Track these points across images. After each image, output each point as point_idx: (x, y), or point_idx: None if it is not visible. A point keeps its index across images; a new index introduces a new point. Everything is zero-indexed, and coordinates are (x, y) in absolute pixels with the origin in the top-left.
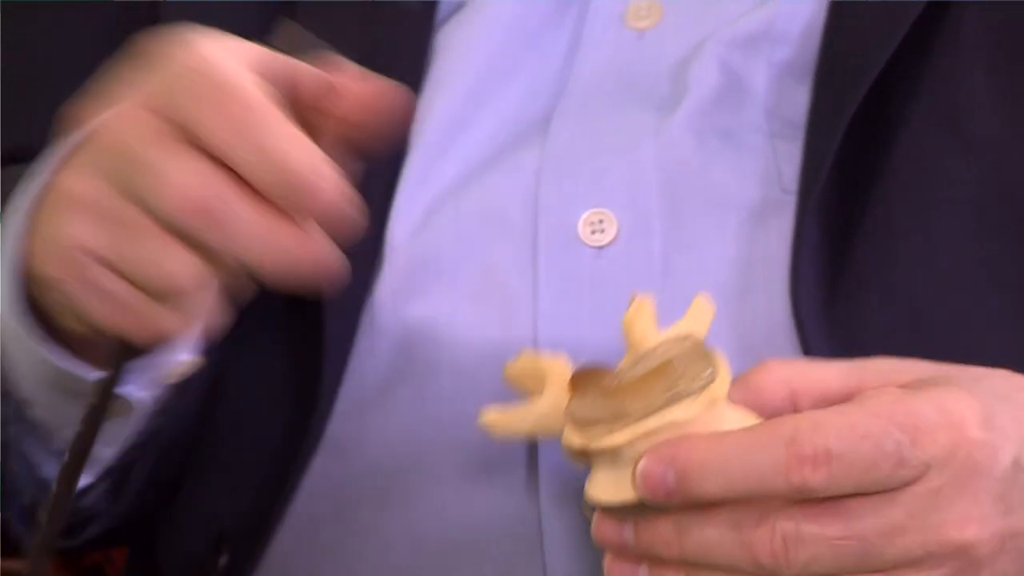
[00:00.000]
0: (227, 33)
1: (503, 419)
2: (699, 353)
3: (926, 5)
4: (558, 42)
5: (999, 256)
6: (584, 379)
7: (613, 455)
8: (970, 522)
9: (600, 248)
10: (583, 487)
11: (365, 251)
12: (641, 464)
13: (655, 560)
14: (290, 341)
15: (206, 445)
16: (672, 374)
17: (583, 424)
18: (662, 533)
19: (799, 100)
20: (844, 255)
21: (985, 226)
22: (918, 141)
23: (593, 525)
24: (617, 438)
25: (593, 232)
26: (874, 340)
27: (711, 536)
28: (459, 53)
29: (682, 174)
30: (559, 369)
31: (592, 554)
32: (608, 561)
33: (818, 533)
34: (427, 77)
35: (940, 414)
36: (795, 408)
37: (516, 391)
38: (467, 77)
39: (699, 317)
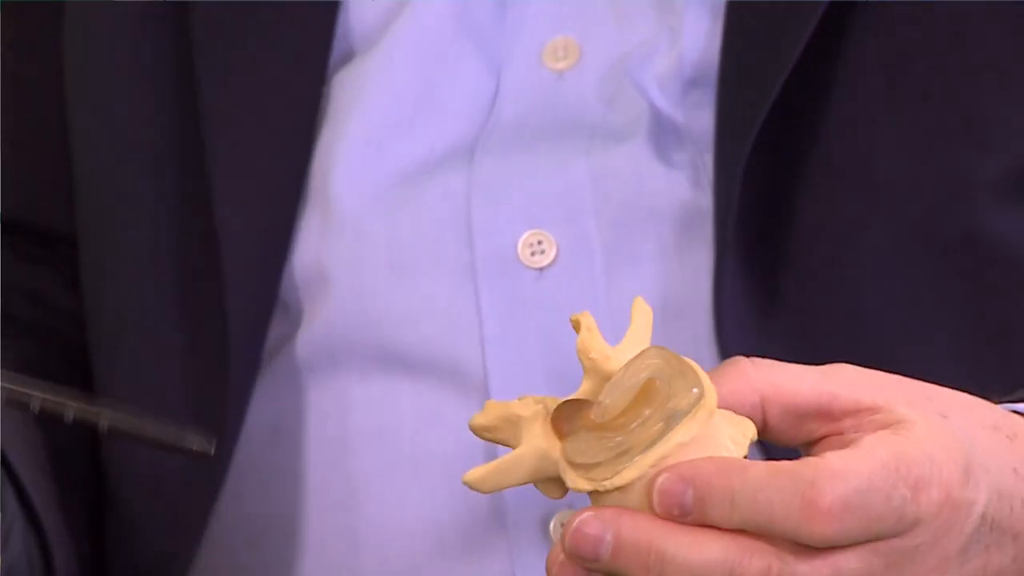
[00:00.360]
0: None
1: (491, 474)
2: (677, 366)
3: (813, 46)
4: (474, 75)
5: (921, 294)
6: (566, 416)
7: (623, 490)
8: (951, 567)
9: (541, 269)
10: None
11: (269, 265)
12: (661, 481)
13: None
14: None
15: (113, 487)
16: (659, 395)
17: (585, 467)
18: (647, 551)
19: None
20: (761, 276)
21: (908, 265)
22: (824, 185)
23: (565, 533)
24: (628, 475)
25: (533, 254)
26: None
27: (699, 562)
28: (363, 87)
29: (616, 187)
30: (530, 410)
31: None
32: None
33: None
34: (326, 117)
35: (932, 468)
36: (763, 415)
37: (488, 441)
38: (378, 107)
39: (643, 323)
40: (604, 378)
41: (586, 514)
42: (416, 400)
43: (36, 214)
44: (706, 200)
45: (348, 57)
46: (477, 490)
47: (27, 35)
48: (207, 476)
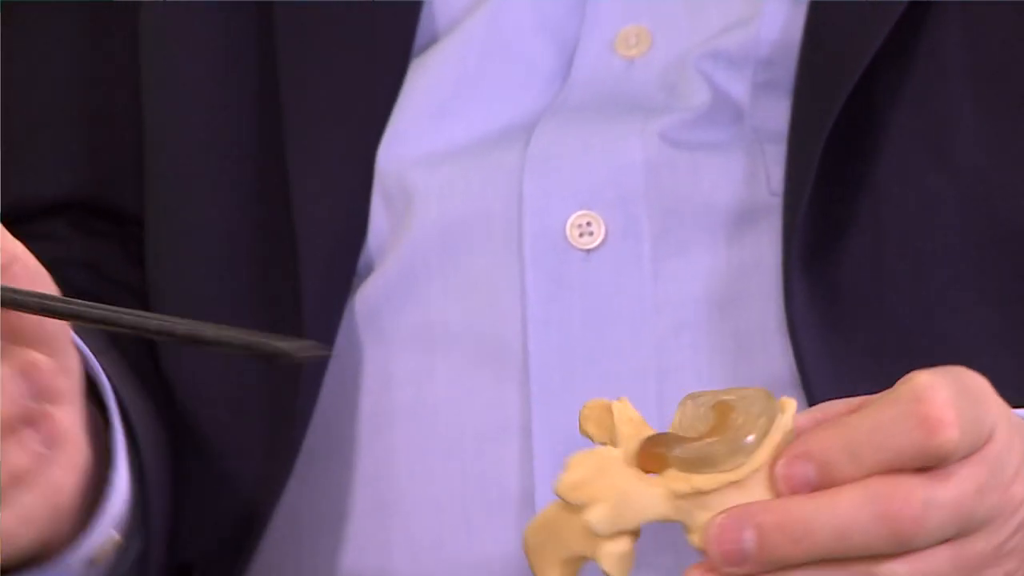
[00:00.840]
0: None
1: (611, 514)
2: (729, 391)
3: (901, 22)
4: (545, 58)
5: (987, 276)
6: (656, 445)
7: (739, 487)
8: (1021, 478)
9: (589, 251)
10: None
11: (346, 252)
12: (779, 466)
13: (781, 566)
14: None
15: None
16: (733, 411)
17: (698, 466)
18: (791, 528)
19: (783, 113)
20: (833, 275)
21: (971, 246)
22: (902, 161)
23: (705, 541)
24: (759, 459)
25: (581, 235)
26: (866, 360)
27: (845, 516)
28: (429, 62)
29: (670, 176)
30: (621, 448)
31: None
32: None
33: (944, 497)
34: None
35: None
36: None
37: (577, 499)
38: (440, 81)
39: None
40: (637, 439)
41: (718, 518)
42: (454, 378)
43: (106, 193)
44: (763, 196)
45: (432, 44)
46: (600, 530)
47: (102, 17)
48: (277, 457)
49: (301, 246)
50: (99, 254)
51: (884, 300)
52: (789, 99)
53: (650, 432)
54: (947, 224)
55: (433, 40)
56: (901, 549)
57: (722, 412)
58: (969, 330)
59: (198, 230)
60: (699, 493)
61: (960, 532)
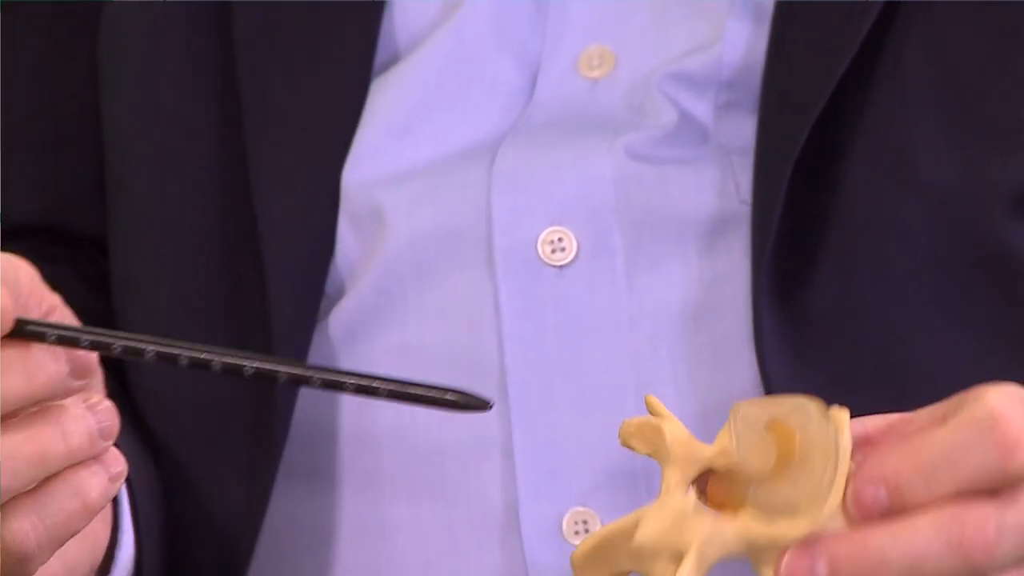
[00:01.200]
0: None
1: (694, 570)
2: (776, 404)
3: (865, 46)
4: (508, 78)
5: (960, 297)
6: (725, 489)
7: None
8: None
9: (561, 267)
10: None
11: (313, 274)
12: (851, 491)
13: None
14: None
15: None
16: (790, 430)
17: (785, 513)
18: (865, 560)
19: (748, 130)
20: (802, 303)
21: (942, 268)
22: (868, 186)
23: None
24: (836, 499)
25: (553, 251)
26: (836, 388)
27: (919, 546)
28: (392, 81)
29: (639, 190)
30: (690, 503)
31: None
32: None
33: (1015, 520)
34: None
35: None
36: None
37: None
38: (403, 99)
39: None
40: (692, 462)
41: (791, 551)
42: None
43: (64, 217)
44: (732, 205)
45: (393, 61)
46: None
47: (61, 38)
48: (257, 479)
49: (268, 268)
50: (57, 279)
51: (855, 326)
52: (754, 117)
53: (702, 449)
54: (916, 246)
55: (395, 59)
56: (972, 573)
57: (783, 437)
58: (943, 353)
59: (163, 253)
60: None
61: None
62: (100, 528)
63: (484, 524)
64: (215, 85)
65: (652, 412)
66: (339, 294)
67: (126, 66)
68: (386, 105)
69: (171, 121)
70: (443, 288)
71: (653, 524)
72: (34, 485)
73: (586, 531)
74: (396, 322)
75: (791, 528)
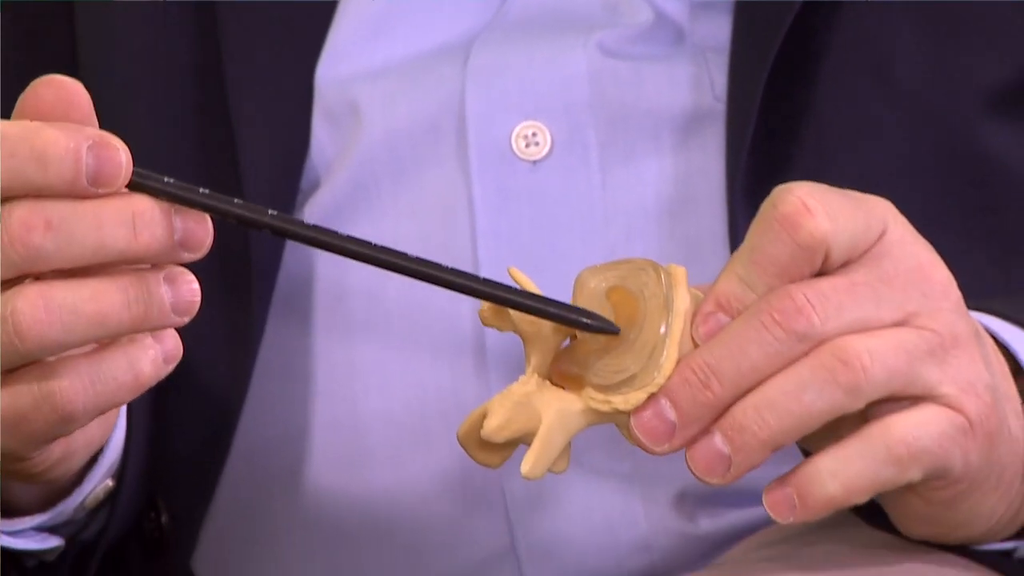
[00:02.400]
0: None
1: (538, 457)
2: (622, 268)
3: None
4: None
5: (931, 198)
6: (567, 364)
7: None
8: (938, 263)
9: (535, 162)
10: None
11: (288, 169)
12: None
13: (710, 416)
14: (218, 272)
15: None
16: (632, 295)
17: (621, 385)
18: (695, 376)
19: (724, 30)
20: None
21: (914, 168)
22: (843, 86)
23: (631, 433)
24: (670, 362)
25: (527, 146)
26: None
27: (739, 341)
28: None
29: (614, 85)
30: (533, 383)
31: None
32: (687, 458)
33: (829, 286)
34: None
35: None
36: None
37: (508, 439)
38: (377, 2)
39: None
40: (546, 337)
41: (633, 415)
42: (406, 292)
43: None
44: (707, 102)
45: None
46: (535, 478)
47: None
48: (236, 374)
49: (243, 164)
50: None
51: None
52: (729, 17)
53: (545, 324)
54: (889, 147)
55: None
56: (803, 344)
57: (623, 303)
58: None
59: (137, 151)
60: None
61: (881, 311)
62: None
63: (457, 419)
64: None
65: (516, 283)
66: (314, 190)
67: None
68: (358, 6)
69: (146, 20)
70: (418, 183)
71: (495, 416)
72: (90, 348)
73: None
74: (371, 217)
75: (635, 395)
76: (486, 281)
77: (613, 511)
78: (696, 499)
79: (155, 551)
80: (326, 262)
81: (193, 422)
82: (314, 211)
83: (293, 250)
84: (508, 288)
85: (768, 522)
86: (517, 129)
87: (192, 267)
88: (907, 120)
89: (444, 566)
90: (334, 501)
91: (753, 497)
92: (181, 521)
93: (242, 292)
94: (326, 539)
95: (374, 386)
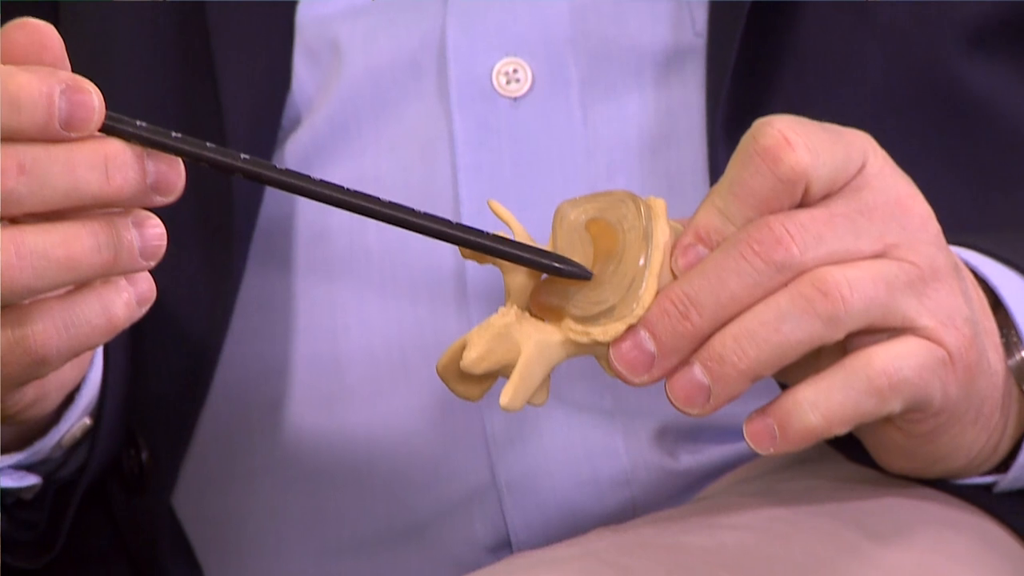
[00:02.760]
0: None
1: (517, 388)
2: (601, 201)
3: None
4: None
5: (910, 133)
6: (547, 296)
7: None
8: (917, 196)
9: (516, 98)
10: None
11: (269, 105)
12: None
13: (690, 347)
14: (199, 213)
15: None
16: (611, 228)
17: (599, 316)
18: (674, 307)
19: None
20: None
21: (894, 104)
22: (825, 20)
23: (611, 364)
24: (649, 294)
25: (508, 82)
26: None
27: (718, 272)
28: None
29: (596, 21)
30: (512, 315)
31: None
32: (667, 389)
33: (808, 217)
34: None
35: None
36: None
37: (487, 371)
38: None
39: (513, 221)
40: (525, 270)
41: (612, 346)
42: (387, 230)
43: None
44: (688, 38)
45: None
46: (514, 410)
47: None
48: (216, 313)
49: (224, 102)
50: None
51: None
52: None
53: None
54: (870, 83)
55: None
56: (782, 274)
57: (603, 235)
58: None
59: (116, 88)
60: (599, 343)
61: (860, 240)
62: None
63: (437, 354)
64: None
65: (497, 216)
66: (295, 128)
67: None
68: None
69: None
70: (398, 120)
71: (475, 348)
72: (62, 292)
73: None
74: (352, 153)
75: (608, 331)
76: (459, 226)
77: (594, 446)
78: (677, 434)
79: (135, 489)
80: (306, 203)
81: (173, 361)
82: (295, 149)
83: (274, 191)
84: (481, 233)
85: (748, 457)
86: (498, 66)
87: (173, 208)
88: (888, 56)
89: (425, 502)
90: (314, 439)
91: (734, 433)
92: (161, 459)
93: (223, 233)
94: (306, 477)
95: (354, 324)
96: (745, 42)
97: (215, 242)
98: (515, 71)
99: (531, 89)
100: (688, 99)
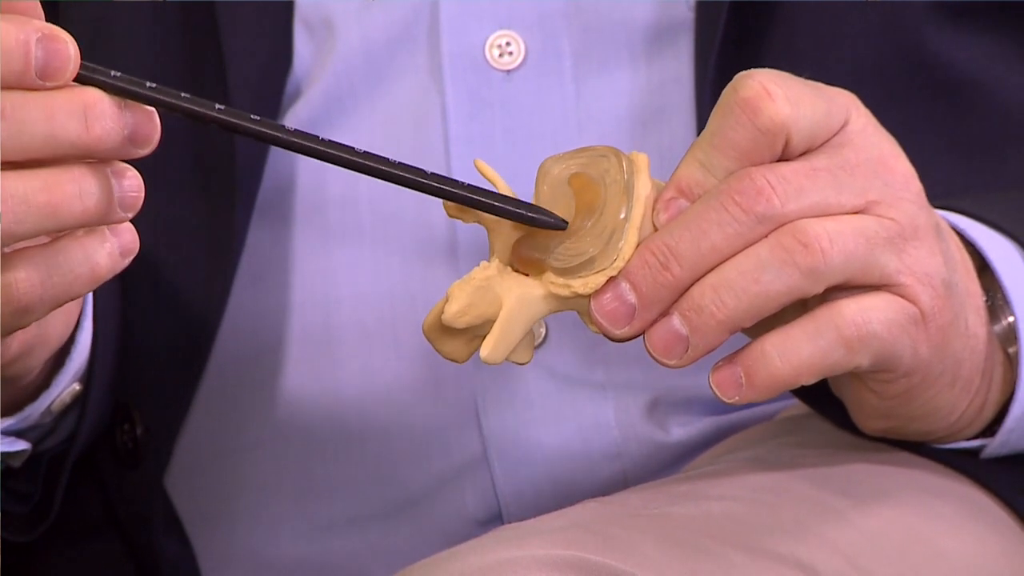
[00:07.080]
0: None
1: (498, 341)
2: (583, 156)
3: None
4: None
5: (897, 103)
6: (527, 250)
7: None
8: (900, 155)
9: (509, 71)
10: None
11: (272, 78)
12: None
13: (670, 298)
14: (202, 177)
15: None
16: (593, 182)
17: (580, 268)
18: (655, 258)
19: None
20: None
21: (882, 73)
22: None
23: (592, 317)
24: (630, 246)
25: (501, 55)
26: None
27: (699, 223)
28: None
29: None
30: (494, 268)
31: None
32: (645, 340)
33: (789, 170)
34: None
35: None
36: None
37: (469, 324)
38: None
39: (498, 178)
40: (507, 225)
41: (592, 298)
42: (379, 199)
43: None
44: (680, 11)
45: None
46: (494, 362)
47: None
48: (216, 281)
49: (229, 73)
50: None
51: None
52: None
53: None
54: (858, 51)
55: None
56: (763, 226)
57: (585, 190)
58: None
59: (126, 63)
60: (580, 296)
61: (841, 196)
62: (74, 305)
63: (425, 302)
64: None
65: (483, 175)
66: (293, 101)
67: None
68: None
69: None
70: (392, 92)
71: (456, 301)
72: (44, 240)
73: None
74: (347, 126)
75: (589, 284)
76: (433, 175)
77: (585, 419)
78: (667, 407)
79: (128, 464)
80: (307, 170)
81: (172, 329)
82: (293, 122)
83: (276, 157)
84: (455, 182)
85: (738, 429)
86: (491, 38)
87: (176, 172)
88: (874, 29)
89: (417, 474)
90: (305, 413)
91: (724, 405)
92: (156, 433)
93: (225, 198)
94: (297, 452)
95: (347, 295)
96: (732, 15)
97: (218, 208)
98: (508, 44)
99: (524, 62)
100: (680, 73)
